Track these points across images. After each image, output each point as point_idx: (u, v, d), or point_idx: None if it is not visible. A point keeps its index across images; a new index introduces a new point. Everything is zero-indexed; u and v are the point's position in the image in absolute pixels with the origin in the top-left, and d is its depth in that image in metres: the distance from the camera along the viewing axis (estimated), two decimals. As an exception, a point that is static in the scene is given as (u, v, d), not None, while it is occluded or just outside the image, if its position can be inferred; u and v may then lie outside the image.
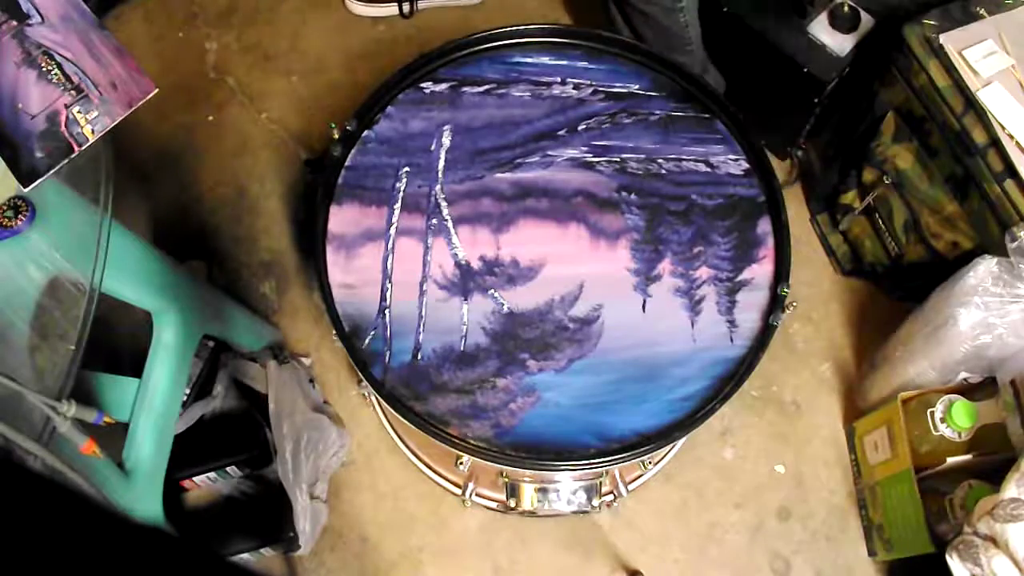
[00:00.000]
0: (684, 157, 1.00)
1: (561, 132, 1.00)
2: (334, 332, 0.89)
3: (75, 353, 0.72)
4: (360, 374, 0.89)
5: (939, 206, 1.17)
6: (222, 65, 1.60)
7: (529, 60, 1.04)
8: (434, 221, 0.95)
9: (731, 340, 0.91)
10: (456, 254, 0.94)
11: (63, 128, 0.73)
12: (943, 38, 1.11)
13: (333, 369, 1.36)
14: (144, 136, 1.51)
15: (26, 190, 0.71)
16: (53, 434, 0.70)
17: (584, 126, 1.01)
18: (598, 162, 0.99)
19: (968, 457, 1.08)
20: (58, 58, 0.74)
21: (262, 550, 1.18)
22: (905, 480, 1.12)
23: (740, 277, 0.94)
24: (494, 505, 1.20)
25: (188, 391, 1.12)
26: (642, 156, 0.99)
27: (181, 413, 1.06)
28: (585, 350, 0.90)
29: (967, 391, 1.12)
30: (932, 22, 1.13)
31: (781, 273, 0.93)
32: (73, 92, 0.73)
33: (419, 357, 0.89)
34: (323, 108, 1.54)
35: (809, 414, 1.34)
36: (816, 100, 1.29)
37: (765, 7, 1.25)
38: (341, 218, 0.95)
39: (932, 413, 1.10)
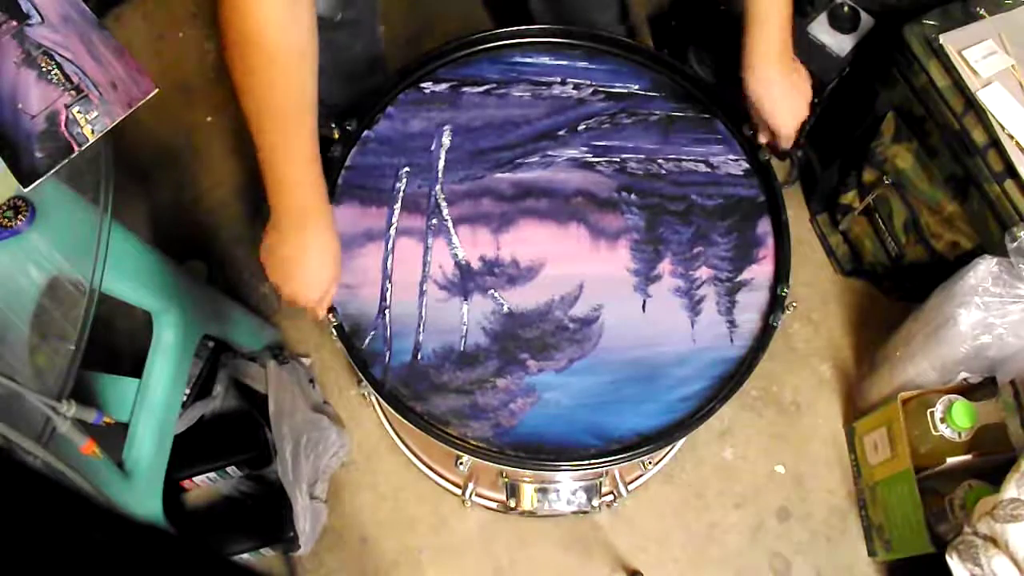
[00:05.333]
0: (684, 157, 1.00)
1: (561, 132, 1.00)
2: (334, 332, 0.89)
3: (75, 353, 0.72)
4: (360, 374, 0.89)
5: (939, 206, 1.17)
6: (222, 65, 1.59)
7: (529, 60, 1.04)
8: (434, 221, 0.95)
9: (731, 340, 0.91)
10: (456, 254, 0.94)
11: (63, 128, 0.73)
12: (943, 38, 1.11)
13: (333, 369, 1.36)
14: (144, 136, 1.51)
15: (26, 190, 0.71)
16: (53, 434, 0.70)
17: (584, 126, 1.01)
18: (598, 162, 0.99)
19: (968, 457, 1.08)
20: (58, 58, 0.74)
21: (262, 550, 1.18)
22: (905, 480, 1.12)
23: (740, 277, 0.94)
24: (494, 505, 1.20)
25: (188, 391, 1.12)
26: (642, 156, 0.99)
27: (181, 413, 1.06)
28: (585, 350, 0.90)
29: (967, 391, 1.12)
30: (932, 22, 1.13)
31: (781, 273, 0.93)
32: (73, 92, 0.73)
33: (419, 357, 0.89)
34: (323, 108, 1.54)
35: (809, 414, 1.35)
36: (816, 100, 1.28)
37: (765, 7, 1.25)
38: (341, 218, 0.95)
39: (932, 413, 1.10)
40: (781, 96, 0.94)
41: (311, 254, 0.81)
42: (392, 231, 0.95)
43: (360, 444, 1.30)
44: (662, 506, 1.28)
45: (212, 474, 1.19)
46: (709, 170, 0.99)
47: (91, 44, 0.75)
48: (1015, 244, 1.00)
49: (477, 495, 1.18)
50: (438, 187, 0.97)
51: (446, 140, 1.00)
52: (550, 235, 0.95)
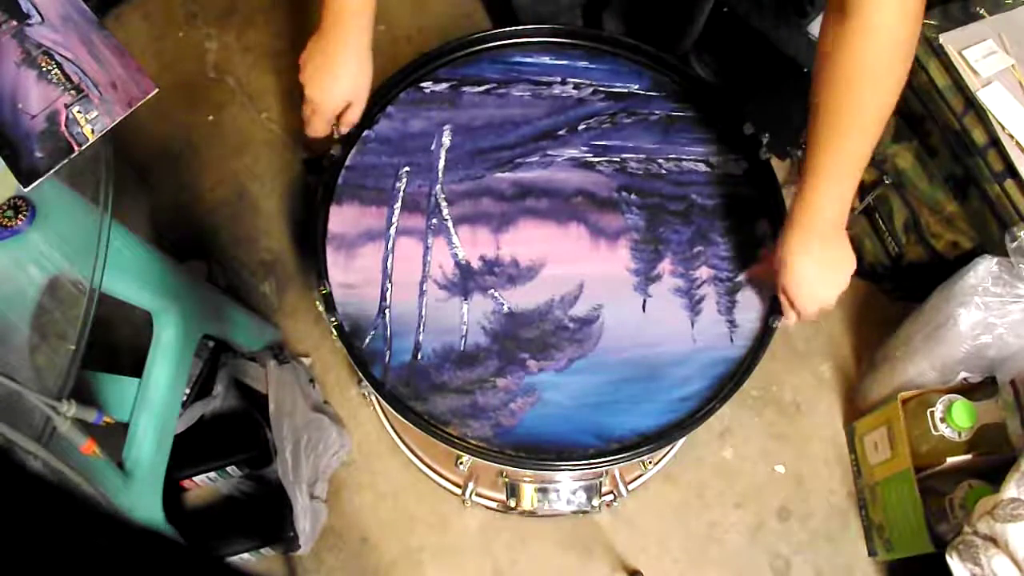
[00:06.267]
0: (684, 157, 1.00)
1: (561, 132, 1.00)
2: (334, 332, 0.89)
3: (75, 353, 0.72)
4: (360, 374, 0.89)
5: (939, 206, 1.17)
6: (222, 65, 1.60)
7: (529, 60, 1.04)
8: (434, 221, 0.95)
9: (731, 340, 0.91)
10: (456, 254, 0.94)
11: (63, 128, 0.73)
12: (943, 38, 1.11)
13: (333, 369, 1.36)
14: (144, 136, 1.51)
15: (26, 190, 0.71)
16: (53, 434, 0.70)
17: (584, 126, 1.01)
18: (598, 162, 0.99)
19: (968, 457, 1.08)
20: (58, 58, 0.74)
21: (262, 550, 1.18)
22: (905, 480, 1.12)
23: (740, 277, 0.94)
24: (494, 505, 1.20)
25: (188, 391, 1.12)
26: (642, 156, 0.99)
27: (181, 413, 1.06)
28: (585, 350, 0.90)
29: (967, 391, 1.12)
30: (932, 22, 1.13)
31: (781, 273, 0.93)
32: (73, 92, 0.73)
33: (419, 357, 0.89)
34: (323, 108, 1.54)
35: (809, 414, 1.34)
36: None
37: (765, 7, 1.25)
38: (341, 218, 0.95)
39: (932, 413, 1.10)
40: (813, 279, 0.83)
41: (340, 66, 0.88)
42: (392, 231, 0.95)
43: (360, 444, 1.30)
44: (662, 506, 1.28)
45: (212, 474, 1.19)
46: (709, 170, 0.99)
47: (91, 44, 0.75)
48: (1015, 244, 1.00)
49: (477, 495, 1.17)
50: (438, 187, 0.97)
51: (446, 140, 1.00)
52: (550, 235, 0.95)
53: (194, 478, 1.19)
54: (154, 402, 0.97)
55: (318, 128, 0.93)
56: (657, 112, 1.02)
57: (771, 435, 1.33)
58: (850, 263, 0.85)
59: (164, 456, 0.99)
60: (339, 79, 0.89)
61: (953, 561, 0.98)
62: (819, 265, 0.84)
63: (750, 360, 0.89)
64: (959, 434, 1.08)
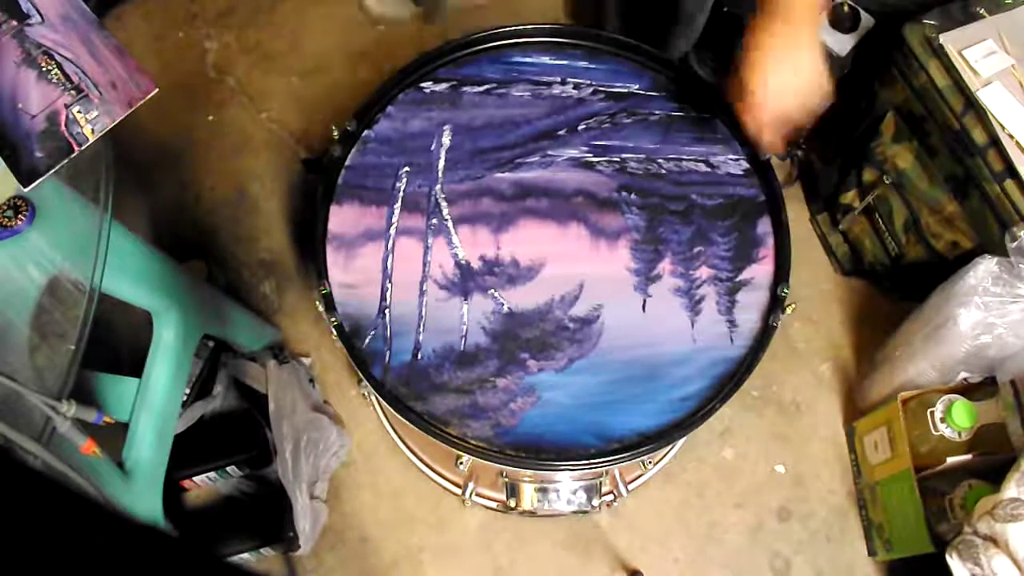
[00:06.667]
0: (684, 157, 1.00)
1: (561, 132, 1.00)
2: (334, 332, 0.89)
3: (75, 353, 0.72)
4: (360, 374, 0.89)
5: (939, 206, 1.17)
6: (222, 65, 1.60)
7: (529, 60, 1.04)
8: (434, 221, 0.95)
9: (731, 340, 0.91)
10: (456, 254, 0.94)
11: (63, 128, 0.73)
12: (943, 38, 1.11)
13: (333, 369, 1.36)
14: (144, 136, 1.51)
15: (26, 190, 0.71)
16: (53, 434, 0.70)
17: (584, 126, 1.01)
18: (598, 162, 0.99)
19: (968, 457, 1.08)
20: (58, 58, 0.74)
21: (262, 550, 1.18)
22: (905, 480, 1.12)
23: (740, 277, 0.94)
24: (494, 505, 1.20)
25: (188, 391, 1.12)
26: (642, 156, 0.99)
27: (181, 413, 1.06)
28: (585, 350, 0.90)
29: (967, 391, 1.12)
30: (932, 22, 1.13)
31: (781, 273, 0.93)
32: (73, 92, 0.73)
33: (419, 357, 0.89)
34: (323, 108, 1.54)
35: (809, 414, 1.35)
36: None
37: (765, 7, 1.25)
38: (341, 218, 0.95)
39: (932, 413, 1.10)
40: (776, 78, 0.80)
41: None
42: (392, 231, 0.95)
43: (360, 444, 1.30)
44: (662, 506, 1.28)
45: (212, 474, 1.19)
46: (709, 170, 0.99)
47: (91, 44, 0.75)
48: (1015, 244, 1.00)
49: (477, 495, 1.17)
50: (438, 187, 0.97)
51: (446, 140, 1.00)
52: (550, 235, 0.95)
53: (194, 478, 1.19)
54: (154, 402, 0.96)
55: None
56: (657, 112, 1.02)
57: (771, 435, 1.33)
58: (818, 72, 0.81)
59: (164, 456, 0.99)
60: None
61: (953, 561, 0.98)
62: (783, 64, 0.80)
63: (750, 360, 0.89)
64: (959, 434, 1.08)
